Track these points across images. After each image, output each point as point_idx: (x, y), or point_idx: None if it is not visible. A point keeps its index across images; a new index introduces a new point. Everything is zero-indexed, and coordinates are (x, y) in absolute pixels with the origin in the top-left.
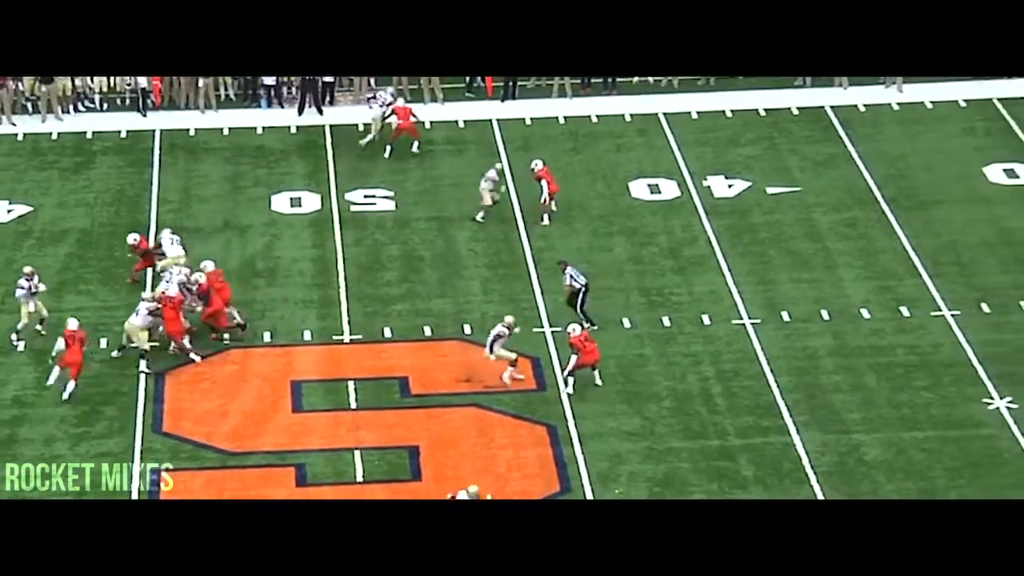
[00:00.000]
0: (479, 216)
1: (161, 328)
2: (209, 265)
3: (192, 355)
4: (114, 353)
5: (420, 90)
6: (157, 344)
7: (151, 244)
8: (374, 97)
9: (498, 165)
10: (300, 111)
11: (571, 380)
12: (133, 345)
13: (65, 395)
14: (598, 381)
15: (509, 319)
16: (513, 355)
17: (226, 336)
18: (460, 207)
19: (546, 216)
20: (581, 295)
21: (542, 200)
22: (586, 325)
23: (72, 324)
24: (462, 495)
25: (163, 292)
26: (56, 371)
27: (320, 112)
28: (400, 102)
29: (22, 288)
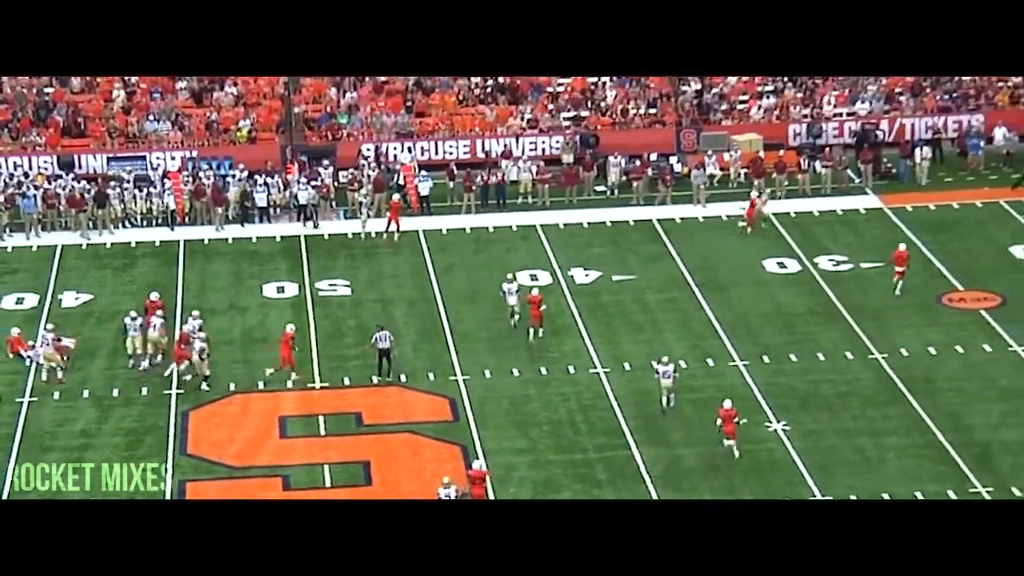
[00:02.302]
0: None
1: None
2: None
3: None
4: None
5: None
6: (189, 378)
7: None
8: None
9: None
10: (304, 223)
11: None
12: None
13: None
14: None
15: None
16: None
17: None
18: (399, 291)
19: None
20: (384, 353)
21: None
22: (376, 378)
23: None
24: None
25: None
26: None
27: (316, 226)
28: (755, 195)
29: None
